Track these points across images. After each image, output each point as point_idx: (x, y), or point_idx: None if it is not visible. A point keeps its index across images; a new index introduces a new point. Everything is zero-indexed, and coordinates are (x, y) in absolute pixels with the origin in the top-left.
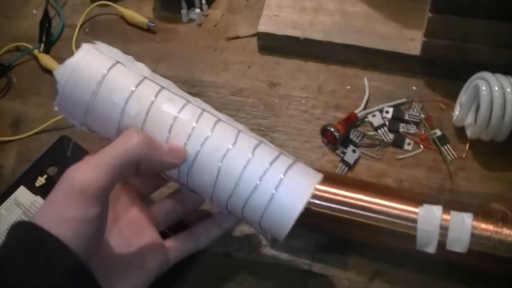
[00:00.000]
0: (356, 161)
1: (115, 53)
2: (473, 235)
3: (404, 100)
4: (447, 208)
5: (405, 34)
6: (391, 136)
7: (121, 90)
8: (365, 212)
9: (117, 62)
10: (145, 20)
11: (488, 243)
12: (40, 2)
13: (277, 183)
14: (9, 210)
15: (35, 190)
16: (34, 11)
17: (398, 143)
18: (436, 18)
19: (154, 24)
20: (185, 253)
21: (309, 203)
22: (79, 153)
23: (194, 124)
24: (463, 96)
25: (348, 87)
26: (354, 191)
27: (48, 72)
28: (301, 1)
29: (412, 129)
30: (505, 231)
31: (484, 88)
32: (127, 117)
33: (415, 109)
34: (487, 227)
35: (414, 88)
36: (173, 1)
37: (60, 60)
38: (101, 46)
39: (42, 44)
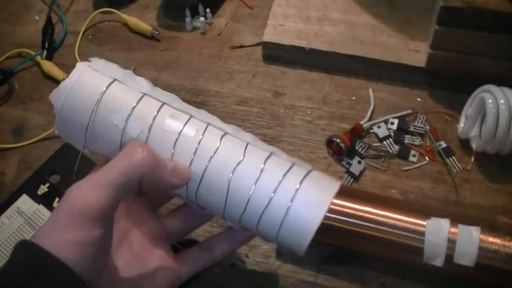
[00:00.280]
0: (361, 172)
1: (112, 69)
2: (480, 249)
3: (409, 111)
4: (454, 221)
5: (410, 45)
6: (397, 147)
7: (119, 111)
8: (372, 224)
9: (114, 80)
10: (149, 28)
11: (495, 256)
12: (43, 8)
13: (292, 195)
14: (11, 219)
15: (38, 199)
16: (37, 17)
17: (403, 154)
18: (442, 30)
19: (158, 32)
20: (198, 267)
21: None
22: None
23: (199, 140)
24: (469, 109)
25: (354, 98)
26: (361, 203)
27: (51, 78)
28: (306, 11)
29: (417, 140)
30: None
31: (490, 101)
32: (128, 138)
33: (420, 121)
34: (494, 241)
35: (418, 99)
36: (176, 9)
37: (63, 66)
38: (97, 62)
39: (45, 51)
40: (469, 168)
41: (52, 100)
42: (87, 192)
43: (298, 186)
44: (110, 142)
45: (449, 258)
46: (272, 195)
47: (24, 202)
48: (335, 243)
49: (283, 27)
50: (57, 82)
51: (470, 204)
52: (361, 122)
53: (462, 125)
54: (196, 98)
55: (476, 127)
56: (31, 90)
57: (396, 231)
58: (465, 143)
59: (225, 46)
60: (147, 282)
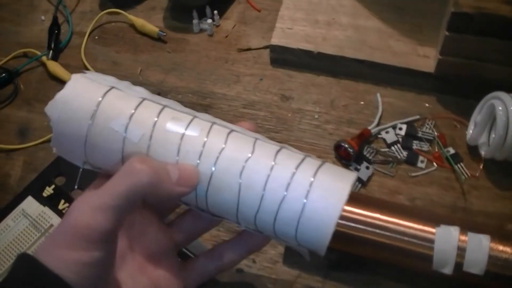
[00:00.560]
0: (369, 178)
1: (109, 80)
2: (490, 257)
3: (417, 117)
4: (463, 229)
5: (418, 50)
6: (405, 153)
7: (119, 116)
8: (381, 231)
9: (112, 87)
10: (156, 29)
11: (505, 265)
12: (48, 8)
13: (308, 189)
14: (16, 221)
15: (43, 201)
16: (43, 17)
17: (411, 160)
18: (452, 36)
19: (165, 34)
20: (207, 276)
21: None
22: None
23: (205, 140)
24: (478, 115)
25: (362, 103)
26: (370, 209)
27: (56, 79)
28: (314, 14)
29: (426, 146)
30: None
31: (500, 108)
32: (130, 144)
33: (428, 127)
34: (504, 249)
35: (426, 105)
36: (183, 11)
37: (68, 67)
38: (93, 74)
39: (51, 51)
40: (477, 174)
41: (48, 112)
42: (88, 215)
43: (312, 178)
44: (111, 152)
45: (458, 266)
46: (286, 189)
47: (30, 204)
48: (343, 249)
49: (291, 31)
50: (62, 83)
51: (478, 211)
52: (369, 127)
53: (471, 131)
54: (203, 101)
55: (485, 134)
56: (36, 90)
57: (405, 238)
58: (473, 150)
59: (232, 49)
60: None
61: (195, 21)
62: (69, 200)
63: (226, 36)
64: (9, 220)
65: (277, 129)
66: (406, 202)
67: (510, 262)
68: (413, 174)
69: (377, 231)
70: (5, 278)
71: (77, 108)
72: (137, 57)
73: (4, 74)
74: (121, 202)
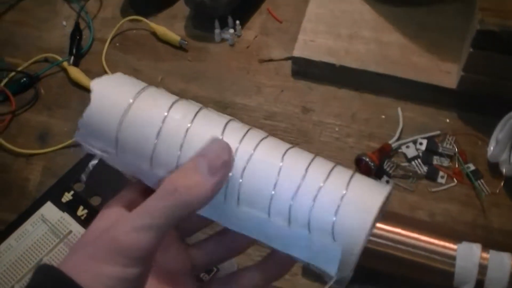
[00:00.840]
0: None
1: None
2: None
3: (437, 132)
4: (484, 246)
5: (440, 66)
6: (425, 168)
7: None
8: (402, 246)
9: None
10: (178, 38)
11: None
12: (70, 13)
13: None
14: (35, 226)
15: (62, 206)
16: (64, 23)
17: (431, 175)
18: (476, 53)
19: (187, 43)
20: None
21: None
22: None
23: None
24: (500, 133)
25: (383, 117)
26: (392, 224)
27: (77, 85)
28: (336, 27)
29: (446, 162)
30: None
31: None
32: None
33: (449, 142)
34: None
35: (447, 120)
36: (205, 20)
37: (89, 74)
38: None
39: (72, 57)
40: (497, 192)
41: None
42: (131, 233)
43: (344, 191)
44: (148, 131)
45: (479, 283)
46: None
47: (49, 209)
48: (363, 263)
49: (314, 43)
50: (83, 89)
51: (498, 229)
52: (390, 142)
53: (492, 148)
54: (224, 111)
55: (506, 152)
56: (57, 96)
57: (426, 254)
58: (493, 167)
59: (253, 59)
60: None
61: (216, 31)
62: (88, 207)
63: (248, 47)
64: (28, 225)
65: (298, 141)
66: (426, 217)
67: None
68: (433, 189)
69: (399, 246)
70: None
71: (122, 87)
72: (158, 65)
73: (25, 79)
74: (169, 222)
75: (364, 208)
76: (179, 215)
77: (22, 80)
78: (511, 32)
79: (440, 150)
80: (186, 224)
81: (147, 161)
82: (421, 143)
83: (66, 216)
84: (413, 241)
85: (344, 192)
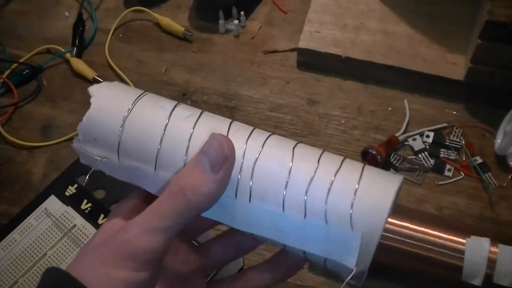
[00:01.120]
0: None
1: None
2: None
3: (444, 124)
4: (493, 240)
5: (447, 58)
6: (432, 161)
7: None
8: (410, 240)
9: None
10: (182, 29)
11: None
12: (73, 3)
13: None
14: (39, 220)
15: (66, 200)
16: (67, 13)
17: (438, 168)
18: (484, 45)
19: (191, 34)
20: None
21: None
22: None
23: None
24: (508, 125)
25: (390, 109)
26: (400, 219)
27: (80, 77)
28: (342, 18)
29: (453, 155)
30: None
31: None
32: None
33: (456, 135)
34: None
35: (454, 112)
36: (209, 10)
37: (92, 65)
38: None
39: (75, 48)
40: (505, 185)
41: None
42: (141, 236)
43: (357, 185)
44: (153, 129)
45: (488, 277)
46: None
47: (52, 203)
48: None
49: (319, 34)
50: (86, 80)
51: (506, 222)
52: (396, 134)
53: (500, 141)
54: (229, 103)
55: None
56: (60, 87)
57: (435, 248)
58: (501, 159)
59: (258, 51)
60: None
61: (221, 22)
62: (92, 201)
63: (252, 38)
64: (31, 219)
65: (304, 133)
66: (433, 210)
67: None
68: (440, 182)
69: (407, 240)
70: None
71: (123, 91)
72: (162, 56)
73: (27, 70)
74: (178, 225)
75: (381, 194)
76: (188, 216)
77: (24, 72)
78: None
79: (447, 142)
80: (194, 224)
81: (152, 162)
82: (428, 136)
83: (70, 209)
84: (421, 235)
85: (359, 179)
